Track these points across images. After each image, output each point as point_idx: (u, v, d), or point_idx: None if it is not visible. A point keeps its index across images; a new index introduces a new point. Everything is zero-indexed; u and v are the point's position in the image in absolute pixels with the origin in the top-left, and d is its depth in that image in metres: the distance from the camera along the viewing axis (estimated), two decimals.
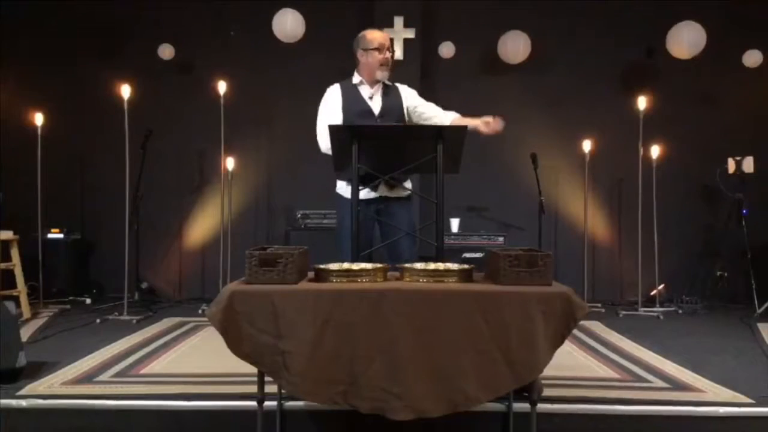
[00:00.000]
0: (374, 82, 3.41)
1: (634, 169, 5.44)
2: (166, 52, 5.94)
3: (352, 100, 3.39)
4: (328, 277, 2.42)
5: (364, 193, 3.22)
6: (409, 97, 3.51)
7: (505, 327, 2.26)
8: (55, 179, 5.56)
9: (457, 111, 6.08)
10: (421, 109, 3.49)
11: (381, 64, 3.35)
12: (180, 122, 6.01)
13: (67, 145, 5.86)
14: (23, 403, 2.72)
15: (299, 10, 5.59)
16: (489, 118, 3.18)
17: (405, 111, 3.47)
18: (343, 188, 3.41)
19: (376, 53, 3.34)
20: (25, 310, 4.77)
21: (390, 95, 3.46)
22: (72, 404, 2.75)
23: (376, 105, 3.41)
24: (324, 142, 3.27)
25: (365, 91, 3.42)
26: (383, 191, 3.35)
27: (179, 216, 6.17)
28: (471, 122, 3.18)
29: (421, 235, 3.47)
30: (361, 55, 3.40)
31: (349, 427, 2.63)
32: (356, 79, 3.45)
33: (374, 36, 3.39)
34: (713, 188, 5.79)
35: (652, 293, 5.47)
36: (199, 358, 3.65)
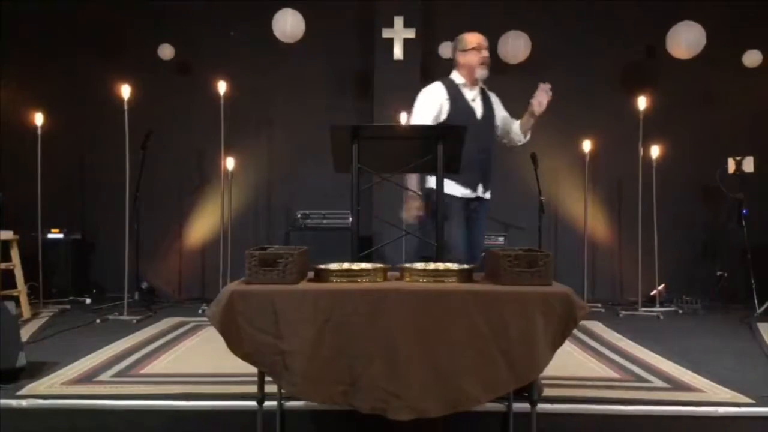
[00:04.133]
0: (474, 83, 3.48)
1: (634, 169, 5.44)
2: (166, 52, 5.94)
3: (458, 101, 3.43)
4: (328, 277, 2.42)
5: (467, 192, 3.42)
6: (498, 105, 3.61)
7: (505, 327, 2.26)
8: (55, 179, 5.56)
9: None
10: (501, 114, 3.60)
11: (480, 64, 3.42)
12: (180, 122, 6.01)
13: (67, 145, 5.86)
14: (23, 403, 2.72)
15: (299, 10, 5.59)
16: (535, 99, 3.35)
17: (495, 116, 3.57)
18: (451, 186, 3.36)
19: (475, 53, 3.42)
20: (25, 310, 4.77)
21: (487, 99, 3.54)
22: (72, 404, 2.75)
23: (478, 107, 3.47)
24: None
25: (468, 92, 3.48)
26: (480, 191, 3.48)
27: (179, 216, 6.18)
28: (532, 114, 3.40)
29: (421, 235, 3.48)
30: (460, 56, 3.47)
31: (349, 427, 2.63)
32: (459, 79, 3.49)
33: (472, 37, 3.46)
34: (713, 188, 5.79)
35: (652, 293, 5.47)
36: (199, 358, 3.65)
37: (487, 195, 3.55)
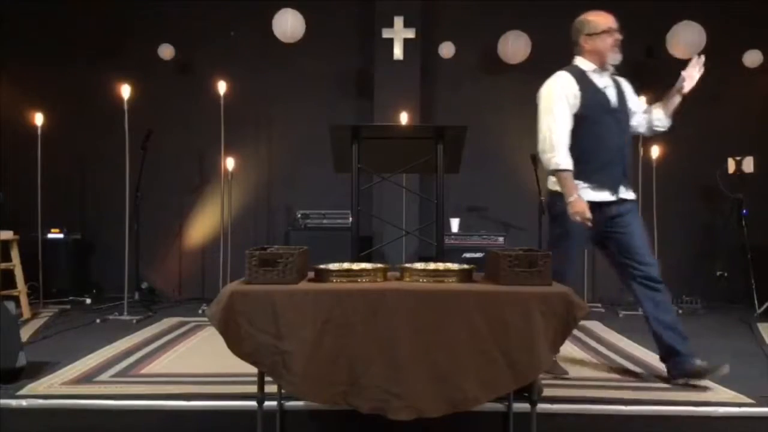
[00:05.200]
0: (605, 69, 3.13)
1: (634, 169, 5.43)
2: (166, 52, 5.94)
3: (589, 91, 3.07)
4: (328, 277, 2.42)
5: (603, 196, 3.05)
6: (629, 90, 3.24)
7: (505, 327, 2.26)
8: (55, 179, 5.56)
9: (457, 111, 6.10)
10: (635, 101, 3.26)
11: (613, 47, 3.07)
12: (180, 122, 6.01)
13: (67, 145, 5.86)
14: (23, 403, 2.72)
15: (299, 10, 5.59)
16: (686, 72, 3.05)
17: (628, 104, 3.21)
18: (583, 192, 3.03)
19: (607, 36, 3.06)
20: (25, 310, 4.77)
21: (618, 85, 3.18)
22: (72, 404, 2.75)
23: (611, 96, 3.11)
24: (563, 146, 2.99)
25: (599, 79, 3.11)
26: (623, 193, 3.10)
27: (179, 216, 6.17)
28: (680, 91, 3.09)
29: (421, 235, 3.47)
30: (587, 41, 3.11)
31: (349, 427, 2.63)
32: (586, 65, 3.13)
33: (602, 19, 3.10)
34: (713, 188, 5.78)
35: None
36: (199, 358, 3.65)
37: (631, 195, 3.15)
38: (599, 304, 5.58)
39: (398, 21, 5.91)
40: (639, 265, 3.07)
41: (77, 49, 6.00)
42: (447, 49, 6.00)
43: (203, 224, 6.15)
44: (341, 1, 6.17)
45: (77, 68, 5.98)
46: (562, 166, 2.99)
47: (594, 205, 2.99)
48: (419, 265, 2.54)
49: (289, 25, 5.55)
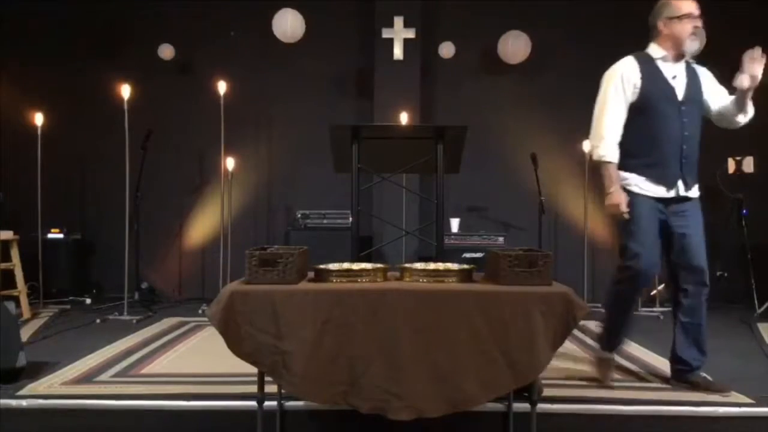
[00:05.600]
0: (679, 57, 2.95)
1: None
2: (166, 52, 5.94)
3: (652, 79, 2.92)
4: (328, 277, 2.42)
5: (659, 191, 2.94)
6: (708, 79, 3.06)
7: (505, 327, 2.26)
8: (55, 179, 5.56)
9: (457, 111, 6.10)
10: (716, 91, 3.08)
11: (692, 34, 2.89)
12: (180, 122, 6.01)
13: (67, 145, 5.86)
14: (23, 403, 2.72)
15: (299, 10, 5.59)
16: (744, 74, 2.86)
17: (703, 95, 3.02)
18: (641, 183, 2.95)
19: (687, 22, 2.89)
20: (25, 310, 4.77)
21: (692, 75, 2.98)
22: (72, 404, 2.75)
23: (680, 86, 2.94)
24: (610, 137, 2.93)
25: (668, 68, 2.94)
26: (682, 189, 2.96)
27: (179, 216, 6.17)
28: (741, 88, 2.91)
29: (421, 235, 3.47)
30: (664, 26, 2.94)
31: (349, 427, 2.63)
32: (657, 52, 2.97)
33: (682, 3, 2.93)
34: (713, 188, 5.78)
35: (652, 293, 5.47)
36: (199, 358, 3.65)
37: (693, 193, 3.00)
38: (599, 304, 5.57)
39: (398, 21, 5.91)
40: (686, 268, 3.04)
41: (77, 49, 6.00)
42: (447, 49, 6.00)
43: (203, 224, 6.15)
44: (341, 1, 6.17)
45: (77, 68, 5.98)
46: (605, 158, 2.94)
47: (651, 199, 2.92)
48: (419, 265, 2.55)
49: (289, 25, 5.55)
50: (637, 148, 2.94)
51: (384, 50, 5.93)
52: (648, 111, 2.91)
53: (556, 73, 6.06)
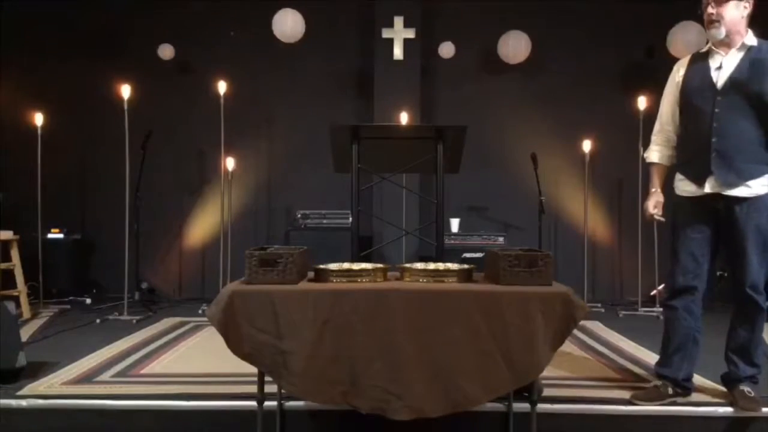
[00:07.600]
0: (727, 47, 2.74)
1: (634, 169, 5.43)
2: (166, 52, 5.95)
3: (693, 74, 2.80)
4: (328, 277, 2.42)
5: (689, 189, 2.79)
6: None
7: (505, 327, 2.26)
8: (55, 179, 5.56)
9: (457, 111, 6.08)
10: None
11: (709, 23, 2.72)
12: (180, 122, 6.02)
13: (67, 145, 5.86)
14: (23, 403, 2.72)
15: (299, 10, 5.59)
16: None
17: (762, 84, 2.66)
18: (676, 181, 2.87)
19: (704, 13, 2.75)
20: (25, 310, 4.77)
21: (749, 64, 2.69)
22: (72, 404, 2.75)
23: (722, 76, 2.70)
24: (656, 136, 2.93)
25: (715, 59, 2.76)
26: (714, 186, 2.69)
27: (179, 216, 6.18)
28: None
29: (421, 235, 3.47)
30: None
31: (349, 427, 2.63)
32: (709, 44, 2.82)
33: None
34: None
35: (652, 293, 5.47)
36: (199, 358, 3.65)
37: (736, 192, 2.65)
38: (599, 304, 5.58)
39: (398, 21, 5.92)
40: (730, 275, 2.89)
41: (77, 49, 6.00)
42: (447, 49, 6.00)
43: (203, 224, 6.15)
44: (341, 2, 6.17)
45: (77, 68, 5.98)
46: (647, 159, 2.98)
47: (684, 200, 2.82)
48: (419, 265, 2.55)
49: (289, 25, 5.55)
50: (679, 147, 2.91)
51: (384, 50, 5.94)
52: (685, 106, 2.83)
53: (556, 73, 6.07)
